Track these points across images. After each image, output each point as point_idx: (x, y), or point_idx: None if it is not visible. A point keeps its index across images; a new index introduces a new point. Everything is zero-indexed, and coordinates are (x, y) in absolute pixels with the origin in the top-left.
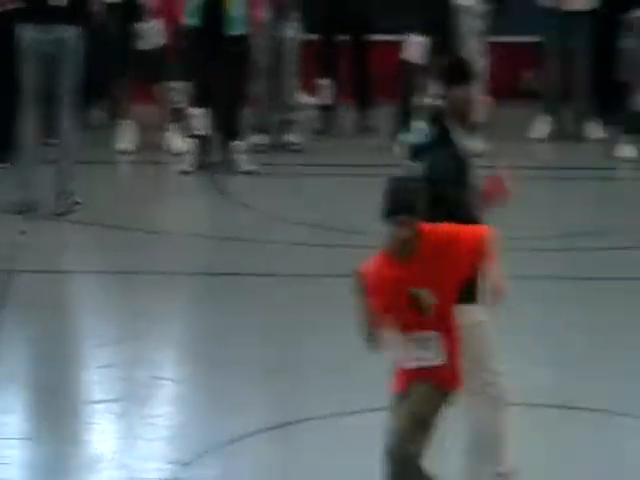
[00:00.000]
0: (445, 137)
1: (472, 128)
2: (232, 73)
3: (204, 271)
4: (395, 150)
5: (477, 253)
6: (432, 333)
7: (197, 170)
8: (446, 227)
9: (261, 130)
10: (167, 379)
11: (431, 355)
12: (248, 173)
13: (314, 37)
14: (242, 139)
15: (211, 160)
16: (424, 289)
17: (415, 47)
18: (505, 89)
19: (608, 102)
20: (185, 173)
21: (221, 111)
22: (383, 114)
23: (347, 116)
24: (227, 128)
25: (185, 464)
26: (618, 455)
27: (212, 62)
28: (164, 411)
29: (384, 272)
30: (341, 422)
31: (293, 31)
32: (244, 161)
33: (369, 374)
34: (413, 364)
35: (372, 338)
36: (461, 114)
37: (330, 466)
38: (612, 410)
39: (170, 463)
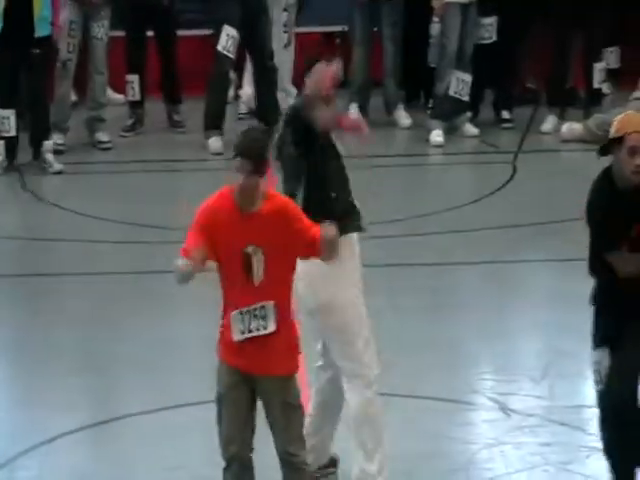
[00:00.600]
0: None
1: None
2: (37, 74)
3: (14, 272)
4: (207, 144)
5: (311, 248)
6: (264, 301)
7: (5, 172)
8: (293, 204)
9: (60, 129)
10: None
11: (259, 324)
12: (58, 173)
13: (120, 33)
14: (49, 139)
15: (19, 161)
16: (259, 249)
17: (227, 39)
18: None
19: (417, 89)
20: None
21: (28, 112)
22: (191, 108)
23: (156, 111)
24: (35, 128)
25: None
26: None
27: (18, 64)
28: None
29: (223, 218)
30: (158, 418)
31: (102, 30)
32: (52, 161)
33: (181, 370)
34: (242, 336)
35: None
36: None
37: (147, 464)
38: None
39: None
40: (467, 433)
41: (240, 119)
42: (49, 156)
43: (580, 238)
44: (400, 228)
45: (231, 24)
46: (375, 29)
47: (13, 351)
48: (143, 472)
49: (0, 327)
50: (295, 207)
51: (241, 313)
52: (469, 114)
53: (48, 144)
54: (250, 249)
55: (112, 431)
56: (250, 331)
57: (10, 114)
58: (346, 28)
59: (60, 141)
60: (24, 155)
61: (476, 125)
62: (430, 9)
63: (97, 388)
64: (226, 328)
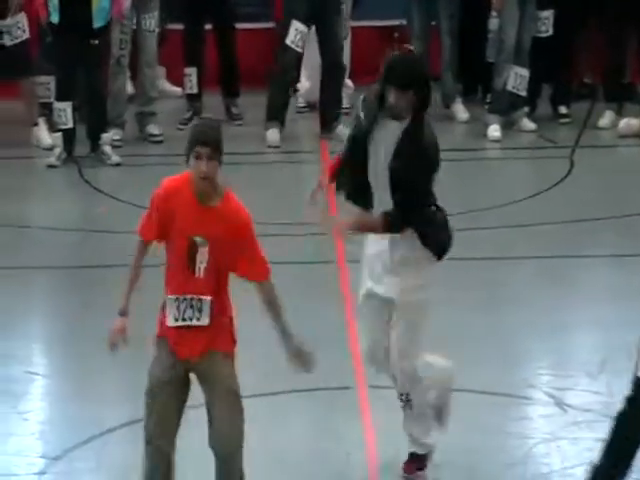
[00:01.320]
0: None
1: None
2: (95, 65)
3: (72, 264)
4: (265, 135)
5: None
6: (202, 296)
7: (65, 164)
8: (246, 210)
9: (116, 124)
10: (37, 374)
11: (194, 315)
12: (116, 165)
13: (179, 26)
14: (107, 131)
15: (77, 153)
16: (206, 243)
17: (296, 34)
18: (375, 73)
19: (474, 83)
20: (52, 167)
21: (85, 104)
22: (250, 102)
23: (214, 104)
24: (92, 121)
25: (55, 458)
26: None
27: (75, 55)
28: (35, 406)
29: (184, 199)
30: None
31: (152, 21)
32: (110, 154)
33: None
34: (176, 323)
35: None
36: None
37: (201, 454)
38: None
39: (41, 457)
40: (524, 428)
41: (299, 112)
42: (107, 148)
43: (637, 234)
44: (458, 222)
45: (298, 18)
46: (433, 23)
47: (67, 343)
48: (197, 462)
49: (55, 319)
50: (250, 224)
51: (177, 299)
52: (527, 109)
53: (106, 136)
54: (199, 240)
55: None
56: (184, 319)
57: (67, 106)
58: (404, 22)
59: (117, 137)
60: (81, 148)
61: (533, 120)
62: (488, 3)
63: None
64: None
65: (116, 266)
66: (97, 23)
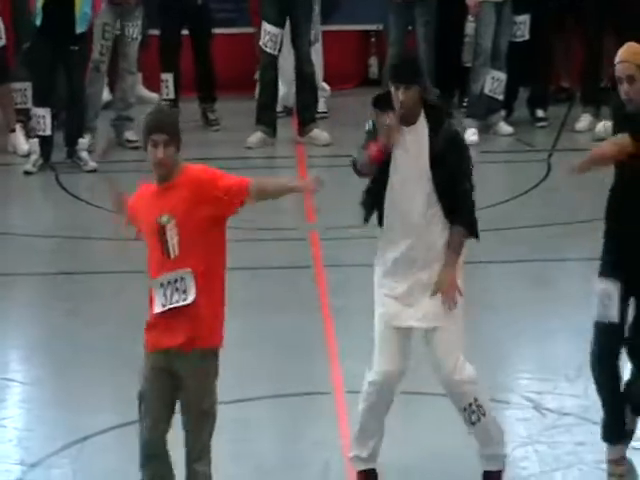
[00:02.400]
0: None
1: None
2: (76, 71)
3: (50, 271)
4: (248, 141)
5: (236, 198)
6: (182, 271)
7: (41, 170)
8: (207, 167)
9: (89, 129)
10: (15, 381)
11: (180, 297)
12: (92, 171)
13: (155, 32)
14: (84, 137)
15: (54, 160)
16: (172, 219)
17: (264, 35)
18: (352, 77)
19: (451, 87)
20: (29, 173)
21: (66, 109)
22: (228, 108)
23: (192, 110)
24: (71, 126)
25: (33, 465)
26: None
27: (56, 60)
28: (13, 413)
29: (145, 194)
30: None
31: (135, 30)
32: (87, 159)
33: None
34: (163, 308)
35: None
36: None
37: (180, 464)
38: None
39: (18, 464)
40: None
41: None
42: (84, 154)
43: None
44: None
45: (268, 21)
46: (409, 28)
47: (46, 351)
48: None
49: (33, 326)
50: (211, 170)
51: (162, 285)
52: (504, 113)
53: (83, 142)
54: (164, 219)
55: None
56: (171, 303)
57: (46, 113)
58: (381, 27)
59: (88, 142)
60: (57, 154)
61: (511, 124)
62: (465, 8)
63: (130, 388)
64: (151, 304)
65: (95, 273)
66: (79, 28)
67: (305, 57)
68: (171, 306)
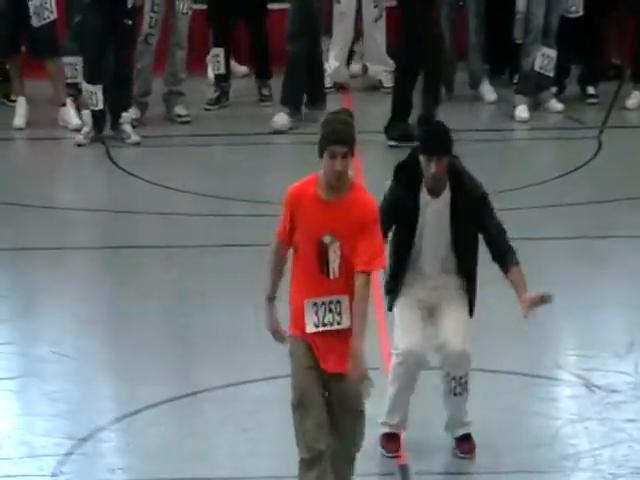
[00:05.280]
0: None
1: None
2: (126, 45)
3: (98, 245)
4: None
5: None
6: (340, 296)
7: (92, 143)
8: (375, 205)
9: (138, 103)
10: (65, 355)
11: (337, 320)
12: (136, 144)
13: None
14: (128, 111)
15: (105, 133)
16: (336, 240)
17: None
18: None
19: (502, 64)
20: (81, 145)
21: (113, 81)
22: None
23: (242, 85)
24: (116, 99)
25: (82, 439)
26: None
27: (105, 36)
28: (62, 387)
29: (307, 196)
30: (241, 391)
31: (186, 4)
32: (130, 132)
33: (266, 344)
34: (316, 329)
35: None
36: None
37: (230, 437)
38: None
39: (68, 438)
40: (551, 408)
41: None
42: (127, 127)
43: None
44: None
45: None
46: (460, 4)
47: (96, 324)
48: (227, 445)
49: (80, 300)
50: (375, 211)
51: (315, 305)
52: (554, 90)
53: (127, 115)
54: (327, 239)
55: (194, 404)
56: (324, 324)
57: (97, 89)
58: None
59: (135, 116)
60: (109, 127)
61: (561, 101)
62: None
63: (181, 361)
64: (297, 311)
65: (145, 247)
66: (130, 1)
67: (288, 36)
68: (324, 329)
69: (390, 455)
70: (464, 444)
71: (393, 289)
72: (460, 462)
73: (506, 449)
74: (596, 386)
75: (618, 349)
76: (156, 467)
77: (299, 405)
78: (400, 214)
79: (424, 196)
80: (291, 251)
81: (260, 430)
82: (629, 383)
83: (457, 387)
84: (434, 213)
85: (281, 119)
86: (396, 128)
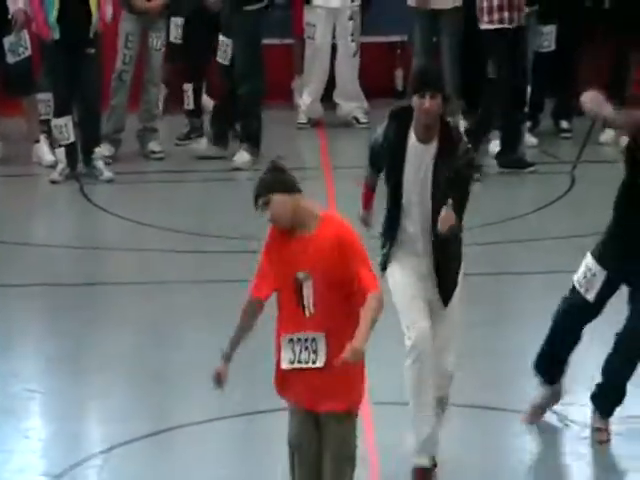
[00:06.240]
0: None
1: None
2: (89, 75)
3: (71, 282)
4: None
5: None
6: (315, 334)
7: (67, 180)
8: (351, 231)
9: (112, 140)
10: (37, 392)
11: (312, 359)
12: (108, 181)
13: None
14: (100, 146)
15: (78, 170)
16: (309, 276)
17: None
18: (379, 88)
19: (476, 98)
20: (55, 182)
21: (80, 120)
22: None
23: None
24: (86, 134)
25: (57, 476)
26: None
27: (71, 69)
28: (36, 424)
29: (279, 235)
30: (216, 428)
31: (159, 41)
32: (103, 169)
33: (243, 379)
34: (291, 366)
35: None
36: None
37: (205, 474)
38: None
39: (43, 475)
40: (525, 443)
41: (299, 129)
42: (99, 163)
43: None
44: None
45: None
46: (435, 40)
47: (70, 361)
48: None
49: (55, 336)
50: (353, 237)
51: (291, 340)
52: (528, 124)
53: (99, 151)
54: (301, 275)
55: (169, 441)
56: (299, 362)
57: (67, 121)
58: (407, 38)
59: (108, 153)
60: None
61: (535, 135)
62: None
63: (153, 398)
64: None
65: (120, 284)
66: (92, 31)
67: (239, 77)
68: (298, 366)
69: None
70: (427, 472)
71: (385, 245)
72: None
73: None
74: (571, 421)
75: (592, 384)
76: None
77: (293, 451)
78: (388, 157)
79: (412, 142)
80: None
81: (236, 466)
82: None
83: (442, 406)
84: (418, 159)
85: (242, 157)
86: (507, 155)
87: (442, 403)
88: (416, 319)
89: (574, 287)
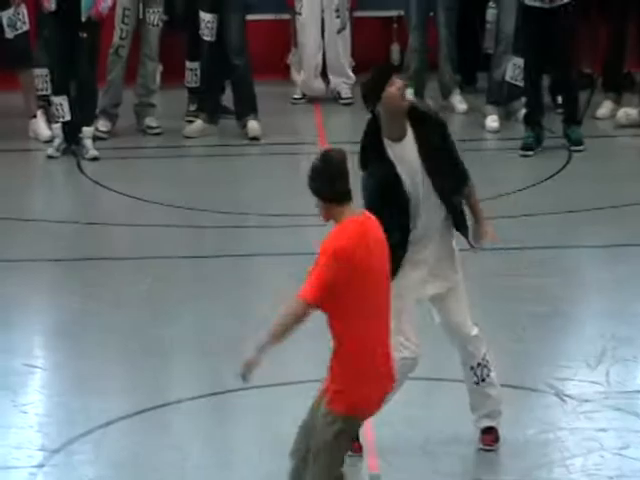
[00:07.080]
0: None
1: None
2: (81, 59)
3: (69, 257)
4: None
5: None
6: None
7: (63, 155)
8: (335, 236)
9: (108, 114)
10: (36, 367)
11: None
12: (93, 159)
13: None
14: (90, 125)
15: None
16: None
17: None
18: (375, 64)
19: (473, 74)
20: (52, 157)
21: (75, 99)
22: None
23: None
24: (80, 113)
25: (54, 451)
26: None
27: (68, 48)
28: (34, 399)
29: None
30: (212, 402)
31: (156, 16)
32: (89, 147)
33: (235, 355)
34: None
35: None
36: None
37: (201, 448)
38: None
39: (40, 450)
40: (523, 418)
41: (293, 104)
42: (88, 142)
43: (635, 224)
44: None
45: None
46: (431, 14)
47: (67, 336)
48: (197, 456)
49: (54, 312)
50: (324, 246)
51: None
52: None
53: (88, 130)
54: None
55: (167, 415)
56: None
57: (63, 100)
58: (402, 13)
59: (104, 128)
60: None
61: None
62: None
63: (151, 373)
64: None
65: (116, 259)
66: (84, 16)
67: (235, 53)
68: None
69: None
70: (485, 436)
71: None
72: (428, 468)
73: (478, 459)
74: (568, 396)
75: (588, 359)
76: (127, 478)
77: None
78: (384, 185)
79: (390, 146)
80: None
81: (231, 441)
82: (600, 393)
83: (482, 371)
84: (405, 157)
85: (253, 126)
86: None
87: (481, 367)
88: (411, 337)
89: None
